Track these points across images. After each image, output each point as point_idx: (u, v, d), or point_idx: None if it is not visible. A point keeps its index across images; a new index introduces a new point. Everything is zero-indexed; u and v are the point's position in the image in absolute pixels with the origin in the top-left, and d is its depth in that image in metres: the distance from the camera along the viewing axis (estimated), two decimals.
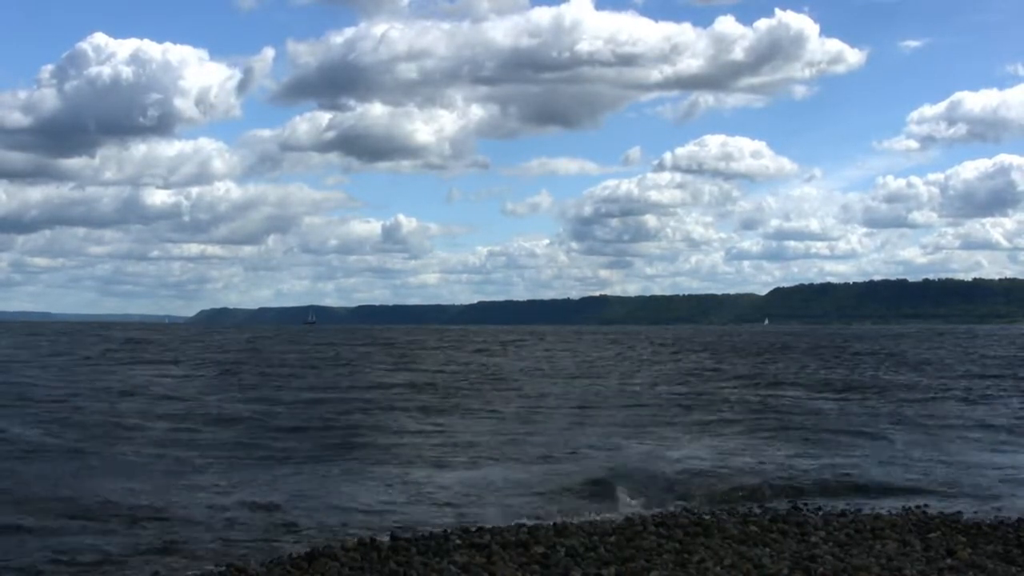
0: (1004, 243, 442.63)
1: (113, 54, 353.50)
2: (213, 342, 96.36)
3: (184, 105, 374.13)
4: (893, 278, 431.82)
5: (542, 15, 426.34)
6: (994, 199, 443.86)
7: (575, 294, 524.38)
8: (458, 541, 12.24)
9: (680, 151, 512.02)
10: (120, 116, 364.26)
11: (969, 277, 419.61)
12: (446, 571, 10.98)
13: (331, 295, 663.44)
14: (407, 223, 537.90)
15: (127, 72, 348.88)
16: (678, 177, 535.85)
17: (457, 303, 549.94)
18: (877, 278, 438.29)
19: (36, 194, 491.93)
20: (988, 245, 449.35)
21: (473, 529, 12.95)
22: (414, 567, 11.12)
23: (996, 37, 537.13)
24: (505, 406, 30.50)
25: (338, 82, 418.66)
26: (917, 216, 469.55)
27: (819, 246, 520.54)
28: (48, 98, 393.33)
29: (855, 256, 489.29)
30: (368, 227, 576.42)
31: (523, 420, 26.63)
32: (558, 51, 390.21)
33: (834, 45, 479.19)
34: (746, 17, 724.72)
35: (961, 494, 16.37)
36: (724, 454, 20.46)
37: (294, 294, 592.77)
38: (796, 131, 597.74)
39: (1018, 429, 25.11)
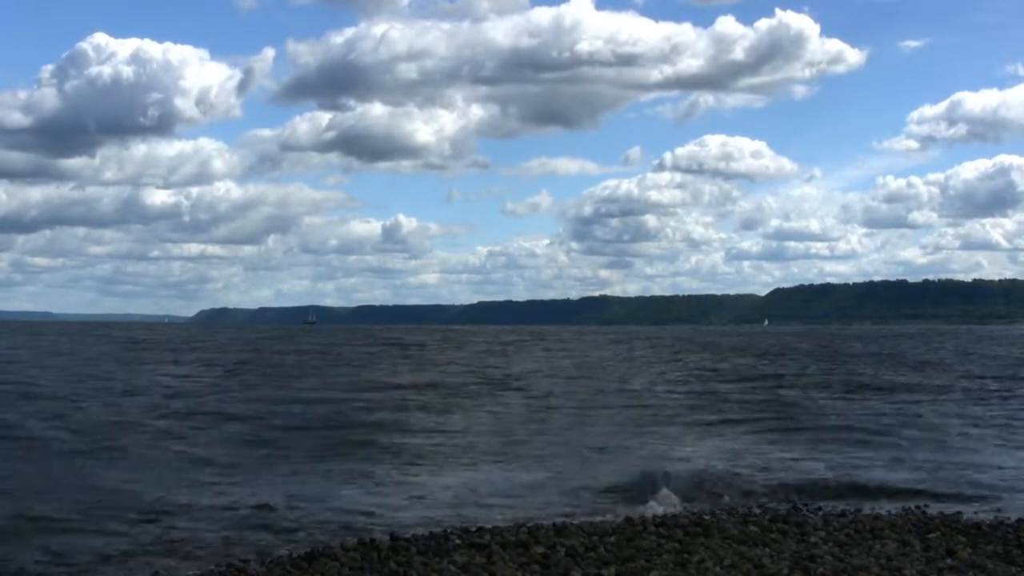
0: (1004, 243, 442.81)
1: (113, 54, 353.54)
2: (215, 342, 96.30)
3: (184, 105, 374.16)
4: (893, 278, 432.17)
5: (542, 15, 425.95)
6: (994, 199, 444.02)
7: (575, 294, 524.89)
8: (458, 541, 12.24)
9: (680, 151, 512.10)
10: (120, 116, 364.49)
11: (969, 277, 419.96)
12: (446, 571, 10.98)
13: (331, 295, 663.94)
14: (407, 223, 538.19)
15: (127, 72, 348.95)
16: (678, 177, 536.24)
17: (457, 303, 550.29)
18: (877, 278, 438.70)
19: (36, 194, 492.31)
20: (988, 245, 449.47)
21: (473, 529, 12.95)
22: (414, 567, 11.13)
23: (996, 37, 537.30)
24: (512, 406, 30.53)
25: (338, 82, 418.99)
26: (917, 216, 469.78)
27: (819, 246, 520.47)
28: (48, 98, 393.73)
29: (855, 256, 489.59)
30: (368, 227, 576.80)
31: (530, 420, 26.66)
32: (558, 51, 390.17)
33: (834, 45, 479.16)
34: (746, 17, 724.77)
35: (962, 494, 16.36)
36: (740, 454, 20.53)
37: (294, 294, 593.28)
38: (796, 131, 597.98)
39: (1019, 429, 25.11)
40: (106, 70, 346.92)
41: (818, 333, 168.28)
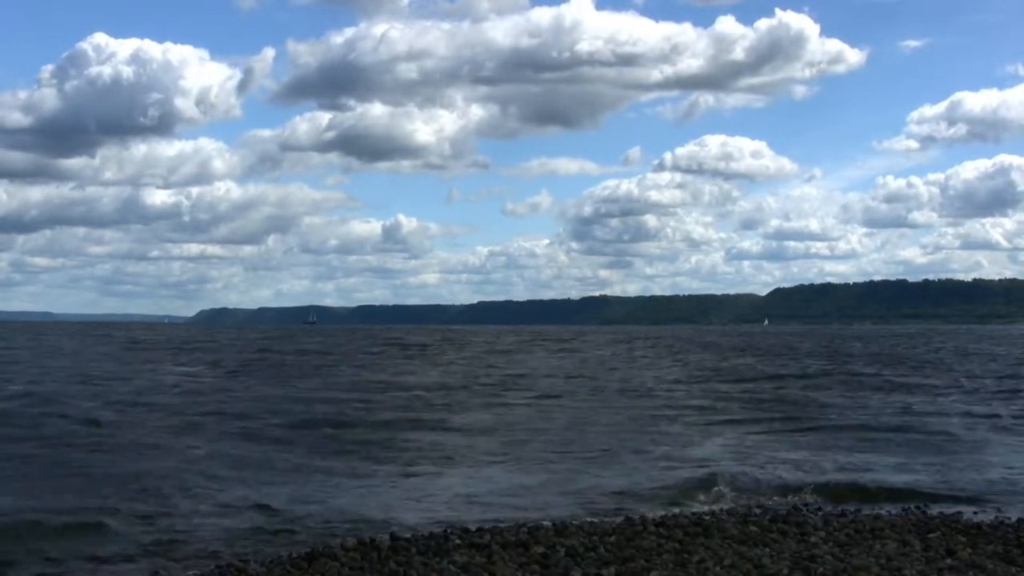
0: (1004, 243, 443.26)
1: (113, 54, 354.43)
2: (217, 342, 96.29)
3: (184, 105, 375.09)
4: (893, 278, 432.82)
5: (542, 15, 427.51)
6: (994, 199, 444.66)
7: (575, 294, 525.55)
8: (458, 541, 12.23)
9: (680, 151, 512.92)
10: (120, 116, 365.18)
11: (969, 277, 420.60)
12: (446, 571, 10.97)
13: (331, 295, 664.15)
14: (407, 223, 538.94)
15: (127, 72, 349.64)
16: (678, 177, 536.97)
17: (457, 303, 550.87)
18: (877, 278, 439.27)
19: (36, 194, 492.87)
20: (988, 245, 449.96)
21: (473, 529, 12.95)
22: (414, 567, 11.12)
23: (996, 37, 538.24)
24: (514, 406, 30.54)
25: (338, 82, 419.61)
26: (917, 216, 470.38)
27: (819, 246, 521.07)
28: (48, 98, 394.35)
29: (855, 256, 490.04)
30: (368, 227, 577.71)
31: (532, 420, 26.64)
32: (558, 51, 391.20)
33: (834, 45, 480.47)
34: (746, 17, 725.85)
35: (962, 494, 16.34)
36: (748, 454, 20.55)
37: (294, 294, 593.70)
38: (796, 131, 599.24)
39: (1021, 428, 25.11)
40: (106, 70, 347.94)
41: (819, 333, 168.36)
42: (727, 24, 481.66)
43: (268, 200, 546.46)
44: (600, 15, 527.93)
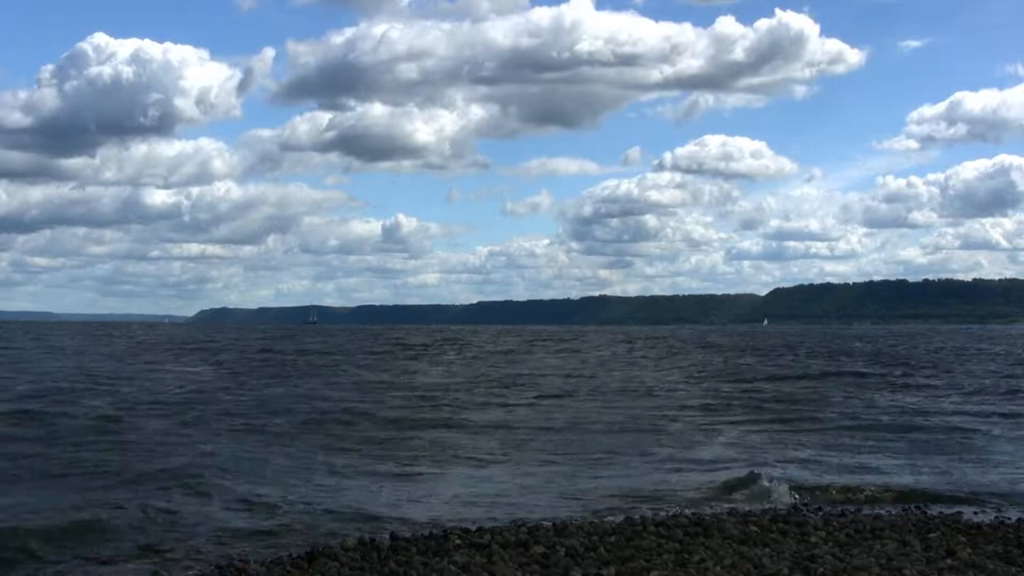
0: (1004, 243, 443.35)
1: (113, 54, 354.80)
2: (219, 343, 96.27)
3: (184, 105, 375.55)
4: (893, 278, 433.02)
5: (542, 15, 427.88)
6: (994, 199, 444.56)
7: (575, 294, 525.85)
8: (458, 541, 12.23)
9: (680, 151, 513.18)
10: (120, 116, 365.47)
11: (969, 277, 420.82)
12: (446, 571, 10.97)
13: (331, 295, 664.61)
14: (407, 223, 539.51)
15: (127, 72, 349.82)
16: (678, 177, 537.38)
17: (457, 303, 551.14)
18: (877, 278, 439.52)
19: (36, 194, 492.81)
20: (988, 245, 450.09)
21: (473, 529, 12.95)
22: (414, 567, 11.12)
23: (996, 37, 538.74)
24: (516, 406, 30.54)
25: (338, 82, 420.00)
26: (917, 216, 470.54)
27: (819, 246, 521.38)
28: (48, 98, 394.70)
29: (855, 256, 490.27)
30: (368, 227, 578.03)
31: (534, 420, 26.63)
32: (558, 51, 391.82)
33: (834, 45, 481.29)
34: (746, 17, 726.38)
35: (963, 493, 16.32)
36: (756, 454, 20.55)
37: (294, 294, 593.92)
38: (796, 131, 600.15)
39: (1021, 428, 25.12)
40: (106, 70, 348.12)
41: (819, 333, 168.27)
42: (727, 24, 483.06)
43: (268, 200, 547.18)
44: (600, 15, 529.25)
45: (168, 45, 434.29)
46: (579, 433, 23.82)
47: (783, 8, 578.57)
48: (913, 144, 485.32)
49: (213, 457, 19.49)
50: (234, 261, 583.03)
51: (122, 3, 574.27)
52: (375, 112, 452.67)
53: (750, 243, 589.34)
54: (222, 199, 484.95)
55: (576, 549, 11.82)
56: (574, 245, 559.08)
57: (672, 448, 21.40)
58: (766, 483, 16.37)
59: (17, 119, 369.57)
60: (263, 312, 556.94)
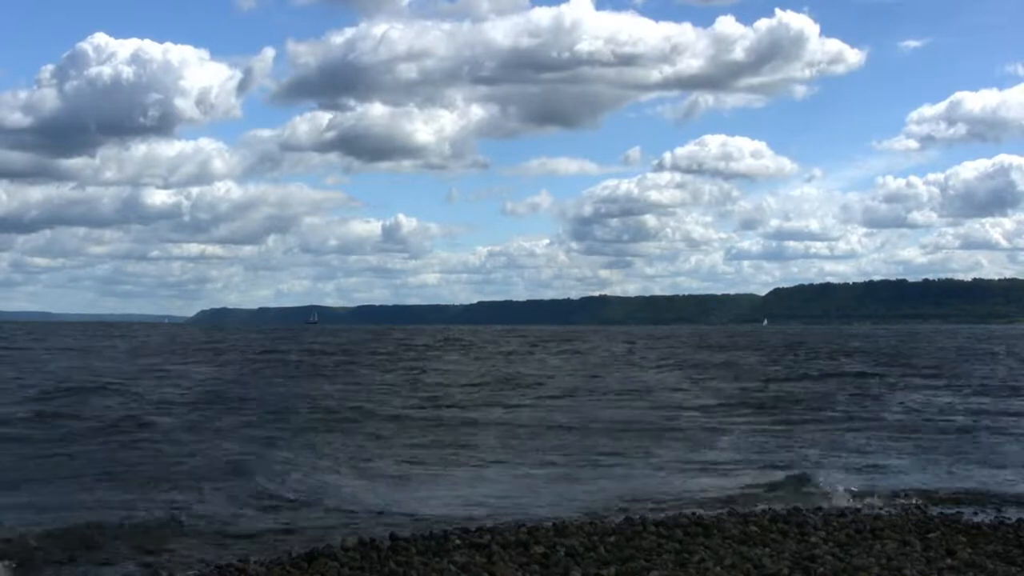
0: (1004, 243, 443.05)
1: (114, 54, 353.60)
2: (228, 342, 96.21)
3: (184, 105, 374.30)
4: (893, 278, 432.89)
5: (542, 15, 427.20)
6: (994, 199, 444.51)
7: (575, 294, 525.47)
8: (458, 541, 12.23)
9: (680, 151, 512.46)
10: (120, 116, 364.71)
11: (969, 277, 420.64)
12: (446, 571, 10.97)
13: (331, 295, 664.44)
14: (407, 223, 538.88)
15: (128, 72, 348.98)
16: (678, 177, 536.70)
17: (457, 303, 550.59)
18: (877, 278, 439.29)
19: (36, 194, 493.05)
20: (988, 245, 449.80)
21: (473, 529, 12.95)
22: (414, 567, 11.12)
23: (996, 37, 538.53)
24: (518, 406, 30.53)
25: (338, 82, 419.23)
26: (917, 216, 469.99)
27: (819, 246, 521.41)
28: (48, 98, 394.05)
29: (855, 256, 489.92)
30: (368, 227, 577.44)
31: (535, 420, 26.61)
32: (558, 51, 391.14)
33: (834, 45, 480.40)
34: (746, 17, 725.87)
35: (966, 493, 16.33)
36: (764, 453, 20.51)
37: (294, 294, 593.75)
38: (796, 131, 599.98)
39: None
40: (106, 70, 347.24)
41: (821, 332, 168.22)
42: (727, 24, 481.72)
43: (268, 200, 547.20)
44: (600, 15, 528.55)
45: (168, 45, 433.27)
46: (584, 433, 23.78)
47: (783, 8, 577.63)
48: (913, 144, 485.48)
49: (214, 457, 19.50)
50: (234, 261, 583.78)
51: (122, 3, 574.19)
52: (375, 112, 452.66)
53: (750, 243, 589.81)
54: (222, 199, 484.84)
55: (576, 549, 11.82)
56: (574, 245, 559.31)
57: (679, 450, 21.28)
58: (818, 485, 16.23)
59: (17, 119, 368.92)
60: (263, 312, 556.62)
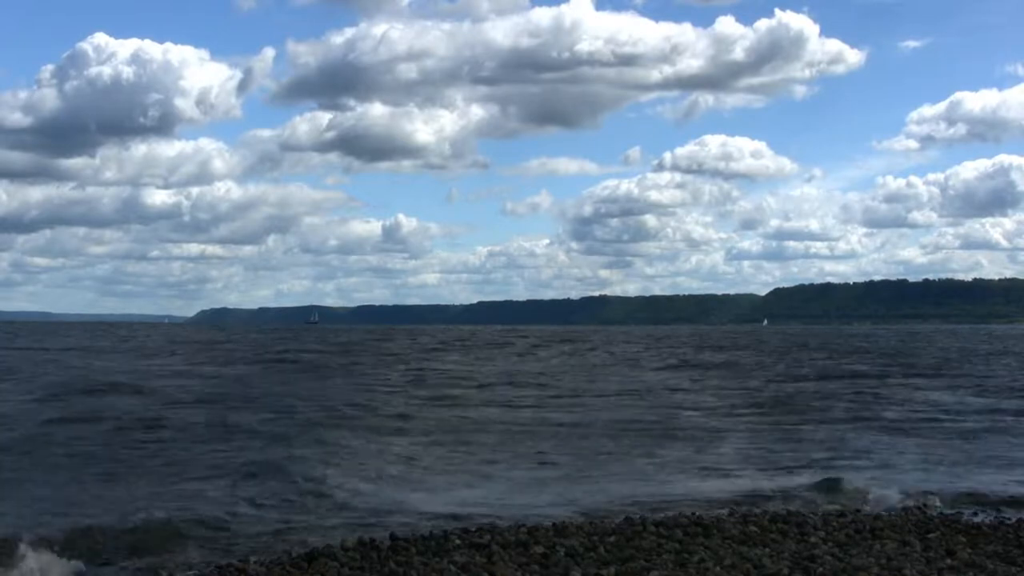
0: (1004, 243, 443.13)
1: (114, 54, 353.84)
2: (234, 342, 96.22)
3: (184, 105, 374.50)
4: (893, 278, 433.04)
5: (542, 15, 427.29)
6: (994, 199, 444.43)
7: (575, 294, 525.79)
8: (458, 541, 12.23)
9: (680, 151, 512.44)
10: (120, 116, 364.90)
11: (969, 277, 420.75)
12: (446, 571, 10.97)
13: (331, 295, 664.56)
14: (407, 223, 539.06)
15: (128, 72, 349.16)
16: (678, 177, 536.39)
17: (457, 303, 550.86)
18: (877, 278, 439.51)
19: (36, 194, 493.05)
20: (988, 245, 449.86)
21: (473, 529, 12.95)
22: (414, 567, 11.12)
23: (996, 37, 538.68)
24: (519, 406, 30.54)
25: (338, 82, 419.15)
26: (917, 216, 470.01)
27: (819, 246, 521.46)
28: (48, 98, 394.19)
29: (855, 256, 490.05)
30: (368, 227, 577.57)
31: (537, 419, 26.62)
32: (558, 51, 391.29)
33: (834, 45, 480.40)
34: (746, 17, 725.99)
35: (967, 492, 16.33)
36: (771, 454, 20.48)
37: (294, 294, 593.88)
38: (796, 131, 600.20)
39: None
40: (106, 70, 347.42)
41: (821, 332, 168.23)
42: (727, 24, 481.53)
43: (268, 200, 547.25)
44: (600, 15, 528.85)
45: (168, 45, 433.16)
46: (585, 432, 23.78)
47: (783, 8, 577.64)
48: (913, 144, 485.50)
49: (215, 457, 19.50)
50: (234, 261, 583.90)
51: (122, 3, 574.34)
52: (375, 112, 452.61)
53: (750, 243, 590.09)
54: (222, 199, 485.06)
55: (576, 549, 11.82)
56: (574, 245, 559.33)
57: (680, 451, 21.22)
58: (864, 487, 16.18)
59: (17, 119, 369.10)
60: (263, 312, 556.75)
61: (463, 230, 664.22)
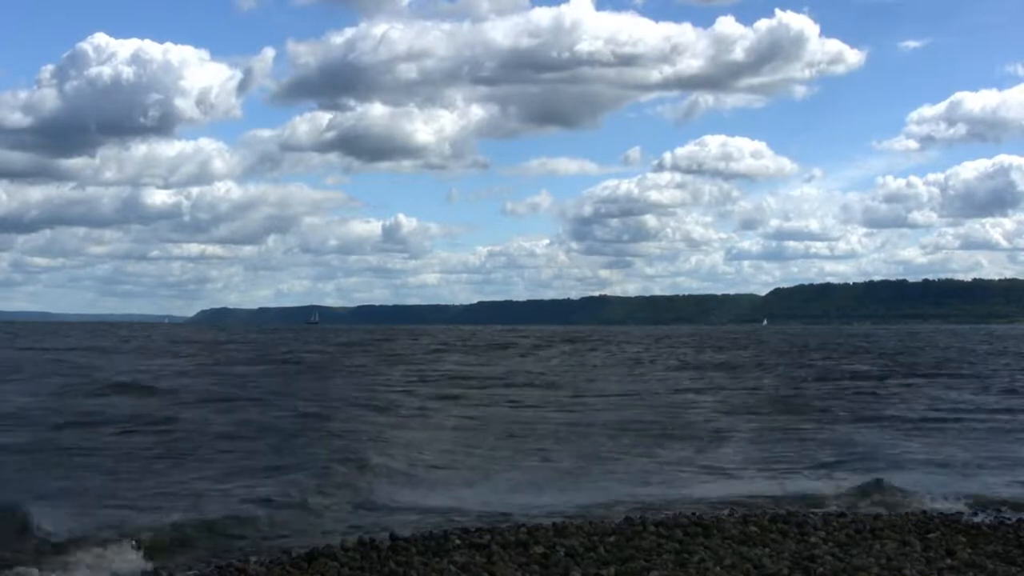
0: (1004, 243, 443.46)
1: (114, 54, 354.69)
2: (239, 341, 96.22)
3: (184, 105, 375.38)
4: (893, 278, 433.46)
5: (542, 15, 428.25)
6: (994, 199, 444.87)
7: (575, 294, 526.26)
8: (458, 541, 12.23)
9: (680, 151, 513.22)
10: (120, 116, 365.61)
11: (969, 277, 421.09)
12: (446, 571, 10.97)
13: (331, 295, 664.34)
14: (407, 223, 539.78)
15: (128, 72, 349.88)
16: (678, 177, 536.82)
17: (457, 303, 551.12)
18: (877, 278, 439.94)
19: (36, 194, 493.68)
20: (988, 245, 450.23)
21: (473, 529, 12.94)
22: (414, 567, 11.12)
23: (996, 37, 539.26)
24: (521, 405, 30.56)
25: (338, 82, 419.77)
26: (917, 216, 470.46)
27: (819, 246, 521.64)
28: (48, 98, 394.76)
29: (855, 256, 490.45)
30: (368, 227, 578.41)
31: (537, 419, 26.61)
32: (558, 51, 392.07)
33: (834, 45, 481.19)
34: (746, 17, 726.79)
35: (968, 492, 16.33)
36: (776, 454, 20.48)
37: (294, 294, 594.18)
38: (796, 131, 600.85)
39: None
40: (106, 70, 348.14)
41: (821, 332, 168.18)
42: (727, 24, 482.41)
43: (268, 200, 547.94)
44: (600, 15, 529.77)
45: (168, 45, 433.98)
46: (585, 432, 23.76)
47: (783, 8, 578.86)
48: (913, 144, 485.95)
49: (212, 456, 19.50)
50: (234, 261, 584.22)
51: (122, 3, 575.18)
52: (375, 112, 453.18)
53: (750, 243, 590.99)
54: (222, 199, 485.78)
55: (576, 549, 11.82)
56: (574, 245, 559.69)
57: (684, 451, 21.17)
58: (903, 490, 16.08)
59: (17, 119, 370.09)
60: (263, 312, 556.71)
61: (463, 230, 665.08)
